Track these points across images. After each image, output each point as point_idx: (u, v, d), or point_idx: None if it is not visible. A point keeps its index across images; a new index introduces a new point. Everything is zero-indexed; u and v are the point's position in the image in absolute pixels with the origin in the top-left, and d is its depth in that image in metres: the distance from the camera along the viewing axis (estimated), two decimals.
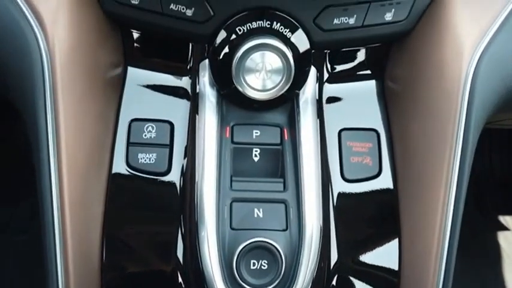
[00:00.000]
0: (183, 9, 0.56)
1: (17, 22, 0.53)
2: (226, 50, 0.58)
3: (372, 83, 0.67)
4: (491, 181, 1.50)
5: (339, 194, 0.62)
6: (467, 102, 0.56)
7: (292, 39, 0.58)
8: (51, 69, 0.52)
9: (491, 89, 0.57)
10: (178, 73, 0.65)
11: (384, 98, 0.67)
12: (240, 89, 0.58)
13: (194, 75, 0.64)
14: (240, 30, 0.57)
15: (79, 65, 0.55)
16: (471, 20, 0.58)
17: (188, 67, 0.65)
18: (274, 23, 0.57)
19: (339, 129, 0.64)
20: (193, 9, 0.56)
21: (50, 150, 0.52)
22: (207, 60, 0.62)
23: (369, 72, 0.68)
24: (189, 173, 0.60)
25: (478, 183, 1.46)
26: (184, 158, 0.62)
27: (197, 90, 0.63)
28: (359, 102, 0.66)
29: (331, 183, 0.62)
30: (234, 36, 0.57)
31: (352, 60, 0.67)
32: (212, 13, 0.57)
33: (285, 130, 0.62)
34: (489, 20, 0.58)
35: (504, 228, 1.44)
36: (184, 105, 0.64)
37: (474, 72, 0.56)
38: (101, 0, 0.57)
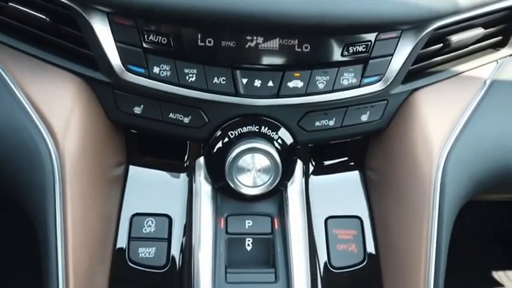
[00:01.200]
0: (181, 117, 0.63)
1: (31, 135, 0.58)
2: (219, 151, 0.64)
3: (354, 173, 0.74)
4: (482, 237, 1.53)
5: (327, 282, 0.66)
6: (438, 197, 0.62)
7: (279, 141, 0.65)
8: (61, 177, 0.57)
9: (460, 185, 0.63)
10: (176, 170, 0.71)
11: (366, 186, 0.73)
12: (233, 186, 0.64)
13: (191, 172, 0.69)
14: (232, 134, 0.64)
15: (87, 169, 0.61)
16: (438, 119, 0.65)
17: (185, 165, 0.71)
18: (263, 127, 0.64)
19: (325, 217, 0.70)
20: (190, 117, 0.63)
21: (58, 253, 0.56)
22: (202, 158, 0.68)
23: (350, 163, 0.74)
24: (186, 266, 0.64)
25: (470, 239, 1.49)
26: (182, 250, 0.66)
27: (193, 185, 0.68)
28: (343, 190, 0.72)
29: (319, 271, 0.66)
30: (226, 139, 0.64)
31: (335, 152, 0.74)
32: (207, 120, 0.63)
33: (275, 220, 0.67)
34: (454, 119, 0.65)
35: (498, 284, 1.46)
36: (182, 199, 0.69)
37: (443, 170, 0.62)
38: (107, 111, 0.64)
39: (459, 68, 0.68)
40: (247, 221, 0.67)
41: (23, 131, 0.58)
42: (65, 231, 0.57)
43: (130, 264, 0.65)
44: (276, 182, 0.64)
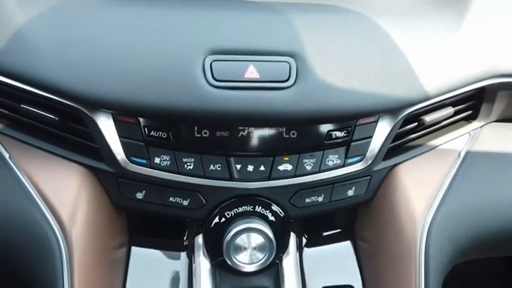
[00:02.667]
0: (180, 200, 0.67)
1: (40, 225, 0.62)
2: (217, 230, 0.68)
3: (345, 242, 0.78)
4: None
5: None
6: (424, 263, 0.66)
7: (272, 218, 0.69)
8: (69, 265, 0.61)
9: (443, 252, 0.67)
10: (177, 249, 0.75)
11: (357, 254, 0.77)
12: (230, 264, 0.67)
13: (190, 250, 0.73)
14: (228, 214, 0.68)
15: (93, 254, 0.65)
16: (419, 190, 0.70)
17: (185, 244, 0.75)
18: (257, 206, 0.68)
19: (320, 287, 0.73)
20: (188, 200, 0.67)
21: None
22: (201, 236, 0.72)
23: (341, 233, 0.79)
24: None
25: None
26: None
27: (193, 263, 0.72)
28: (335, 260, 0.76)
29: None
30: (223, 219, 0.68)
31: (326, 224, 0.79)
32: (204, 202, 0.68)
33: None
34: (434, 190, 0.70)
35: None
36: (183, 277, 0.72)
37: (427, 239, 0.66)
38: (111, 197, 0.68)
39: (435, 142, 0.73)
40: None
41: (33, 222, 0.62)
42: None
43: None
44: (271, 259, 0.68)
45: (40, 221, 0.62)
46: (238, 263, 0.67)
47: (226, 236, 0.66)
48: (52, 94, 0.60)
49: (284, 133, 0.64)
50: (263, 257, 0.67)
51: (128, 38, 0.59)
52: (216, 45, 0.58)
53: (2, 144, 0.66)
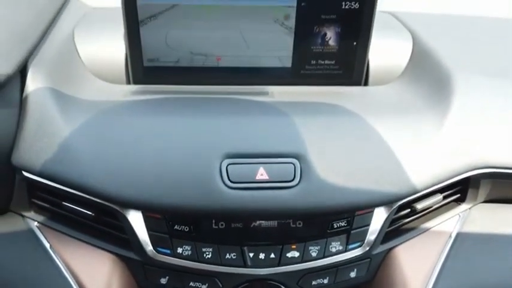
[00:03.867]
0: (199, 285, 0.75)
1: None
2: None
3: None
4: None
5: None
6: None
7: None
8: None
9: None
10: None
11: None
12: None
13: None
14: None
15: None
16: (415, 270, 0.77)
17: None
18: None
19: None
20: (207, 284, 0.75)
21: None
22: None
23: None
24: None
25: None
26: None
27: None
28: None
29: None
30: None
31: None
32: (221, 286, 0.75)
33: None
34: (429, 270, 0.76)
35: None
36: None
37: None
38: (138, 281, 0.76)
39: (428, 224, 0.81)
40: None
41: None
42: None
43: None
44: None
45: None
46: None
47: None
48: (91, 196, 0.69)
49: (291, 224, 0.72)
50: None
51: (153, 147, 0.68)
52: (231, 150, 0.68)
53: (43, 235, 0.75)
